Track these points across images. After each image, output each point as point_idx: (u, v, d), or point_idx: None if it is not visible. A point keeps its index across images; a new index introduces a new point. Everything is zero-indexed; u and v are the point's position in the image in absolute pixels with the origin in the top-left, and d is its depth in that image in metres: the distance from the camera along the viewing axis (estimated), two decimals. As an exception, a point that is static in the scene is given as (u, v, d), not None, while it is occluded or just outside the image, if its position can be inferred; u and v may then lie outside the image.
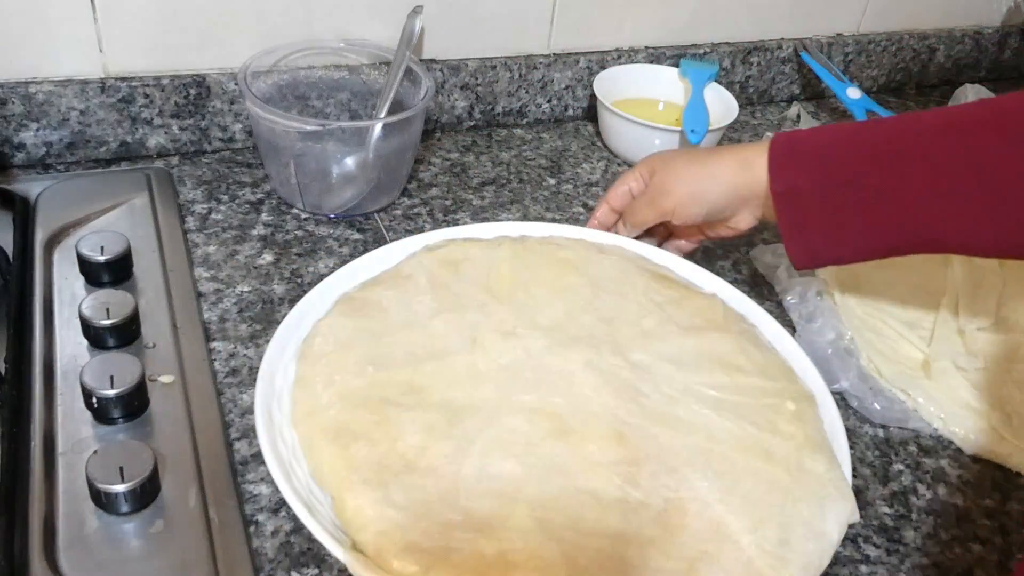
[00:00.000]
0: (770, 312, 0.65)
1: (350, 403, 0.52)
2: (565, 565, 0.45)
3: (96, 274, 0.64)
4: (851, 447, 0.57)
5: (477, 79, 0.90)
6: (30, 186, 0.74)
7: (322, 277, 0.62)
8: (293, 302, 0.66)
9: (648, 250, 0.69)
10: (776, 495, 0.50)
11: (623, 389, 0.55)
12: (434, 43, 0.87)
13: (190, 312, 0.64)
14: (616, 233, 0.71)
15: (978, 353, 0.67)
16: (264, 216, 0.76)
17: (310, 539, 0.51)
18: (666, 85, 0.96)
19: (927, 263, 0.77)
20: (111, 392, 0.54)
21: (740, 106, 0.92)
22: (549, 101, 0.96)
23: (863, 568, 0.54)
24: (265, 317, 0.65)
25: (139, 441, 0.53)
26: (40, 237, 0.68)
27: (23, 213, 0.70)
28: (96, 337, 0.59)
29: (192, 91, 0.79)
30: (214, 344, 0.62)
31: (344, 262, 0.65)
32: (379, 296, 0.60)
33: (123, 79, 0.77)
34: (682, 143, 0.87)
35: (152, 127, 0.80)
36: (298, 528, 0.51)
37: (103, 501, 0.49)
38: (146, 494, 0.50)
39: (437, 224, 0.78)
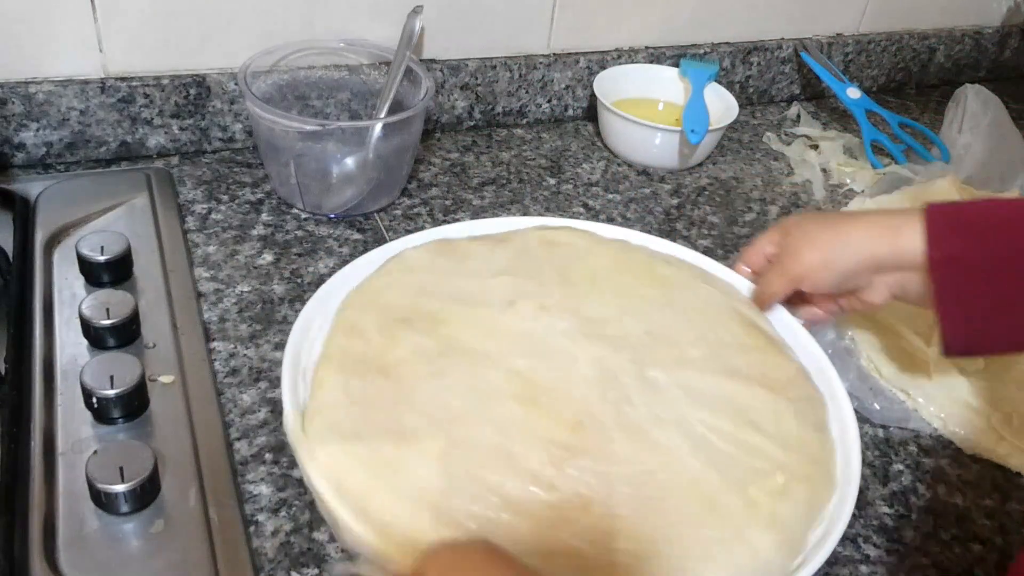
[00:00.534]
0: (770, 312, 0.65)
1: (379, 314, 0.58)
2: (431, 507, 0.47)
3: (96, 274, 0.64)
4: (851, 447, 0.57)
5: (477, 79, 0.90)
6: (30, 186, 0.74)
7: (323, 277, 0.62)
8: (293, 302, 0.67)
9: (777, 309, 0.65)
10: (685, 545, 0.47)
11: (613, 392, 0.54)
12: (434, 43, 0.87)
13: (190, 312, 0.64)
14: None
15: (978, 353, 0.67)
16: (264, 216, 0.76)
17: (310, 539, 0.51)
18: (666, 85, 0.96)
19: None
20: (111, 392, 0.54)
21: (740, 106, 0.92)
22: (549, 101, 0.96)
23: (863, 568, 0.54)
24: (265, 317, 0.65)
25: (139, 441, 0.53)
26: (40, 237, 0.68)
27: (23, 213, 0.70)
28: (96, 337, 0.59)
29: (192, 91, 0.79)
30: (214, 344, 0.62)
31: (344, 262, 0.65)
32: (471, 247, 0.65)
33: (123, 79, 0.77)
34: (682, 143, 0.87)
35: (152, 127, 0.80)
36: (298, 528, 0.51)
37: (103, 501, 0.49)
38: (146, 494, 0.50)
39: (437, 224, 0.78)
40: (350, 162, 0.75)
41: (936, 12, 1.14)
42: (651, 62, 0.98)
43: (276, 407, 0.58)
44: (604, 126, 0.93)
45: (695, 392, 0.56)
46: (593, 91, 0.91)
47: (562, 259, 0.65)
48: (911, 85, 1.18)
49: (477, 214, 0.80)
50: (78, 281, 0.65)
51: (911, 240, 0.56)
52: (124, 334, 0.59)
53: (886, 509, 0.58)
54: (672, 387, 0.56)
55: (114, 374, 0.54)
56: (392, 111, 0.77)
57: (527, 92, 0.94)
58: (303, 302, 0.59)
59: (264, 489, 0.53)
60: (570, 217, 0.81)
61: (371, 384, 0.53)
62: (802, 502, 0.51)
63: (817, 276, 0.60)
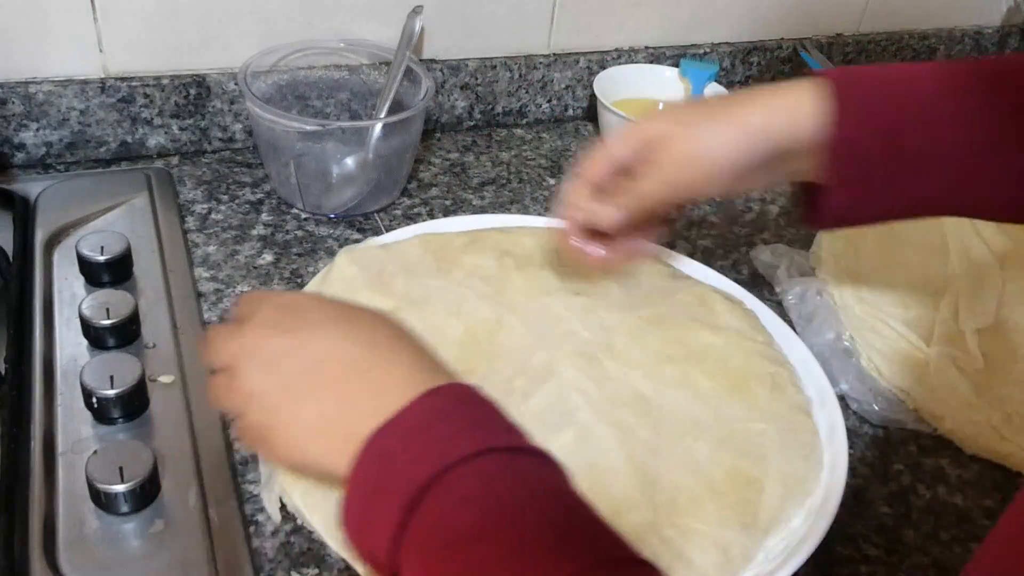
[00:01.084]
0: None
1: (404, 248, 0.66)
2: None
3: (96, 274, 0.64)
4: (851, 447, 0.57)
5: (477, 79, 0.90)
6: (30, 186, 0.74)
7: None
8: (293, 302, 0.66)
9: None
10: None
11: (587, 357, 0.58)
12: (434, 43, 0.87)
13: (190, 312, 0.64)
14: (594, 216, 0.57)
15: (978, 353, 0.67)
16: (264, 216, 0.76)
17: (310, 539, 0.51)
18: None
19: (927, 263, 0.77)
20: (111, 392, 0.54)
21: (740, 106, 0.92)
22: (549, 101, 0.96)
23: (863, 568, 0.54)
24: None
25: (139, 441, 0.53)
26: (40, 237, 0.68)
27: (23, 213, 0.70)
28: (96, 337, 0.59)
29: (192, 91, 0.79)
30: (214, 344, 0.62)
31: (344, 262, 0.65)
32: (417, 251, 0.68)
33: (123, 79, 0.77)
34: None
35: (152, 127, 0.80)
36: (298, 528, 0.51)
37: (103, 501, 0.49)
38: (146, 494, 0.50)
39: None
40: (350, 162, 0.75)
41: (936, 12, 1.14)
42: (651, 62, 0.98)
43: (276, 407, 0.58)
44: (604, 126, 0.93)
45: (648, 369, 0.58)
46: (593, 91, 0.91)
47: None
48: (911, 85, 1.18)
49: (477, 214, 0.80)
50: (78, 281, 0.65)
51: (808, 116, 0.52)
52: (124, 334, 0.59)
53: (886, 509, 0.58)
54: (632, 368, 0.58)
55: (114, 374, 0.54)
56: (392, 111, 0.77)
57: (527, 92, 0.94)
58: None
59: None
60: (570, 217, 0.81)
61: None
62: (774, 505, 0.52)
63: (713, 181, 0.54)
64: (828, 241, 0.79)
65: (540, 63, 0.92)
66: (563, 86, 0.95)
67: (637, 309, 0.63)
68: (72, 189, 0.75)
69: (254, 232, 0.74)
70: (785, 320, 0.67)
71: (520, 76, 0.92)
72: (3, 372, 0.57)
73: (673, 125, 0.54)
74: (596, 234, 0.59)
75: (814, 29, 1.06)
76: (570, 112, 0.98)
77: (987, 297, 0.73)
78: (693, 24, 0.99)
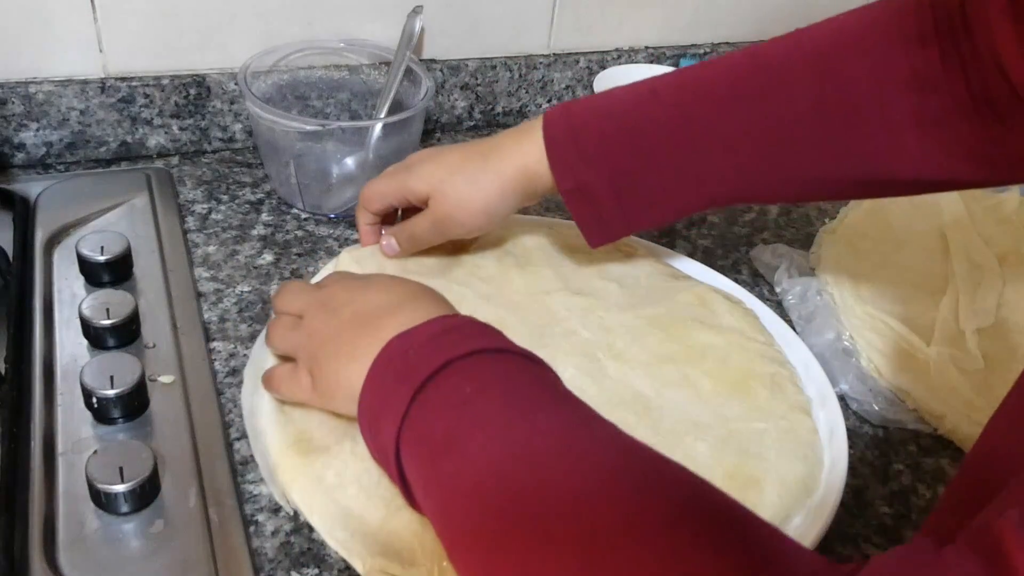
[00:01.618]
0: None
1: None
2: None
3: (96, 274, 0.64)
4: (851, 447, 0.57)
5: (477, 79, 0.90)
6: (30, 186, 0.74)
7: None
8: (293, 302, 0.66)
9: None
10: None
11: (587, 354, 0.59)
12: (434, 43, 0.87)
13: (190, 312, 0.64)
14: (380, 246, 0.65)
15: (978, 353, 0.67)
16: (264, 216, 0.76)
17: (310, 539, 0.51)
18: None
19: (927, 263, 0.77)
20: (111, 392, 0.54)
21: (740, 106, 0.92)
22: (549, 101, 0.96)
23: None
24: (265, 317, 0.65)
25: (139, 441, 0.53)
26: (40, 237, 0.68)
27: (23, 213, 0.70)
28: (96, 337, 0.59)
29: (192, 91, 0.79)
30: (214, 344, 0.62)
31: (344, 262, 0.65)
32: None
33: (123, 79, 0.77)
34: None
35: (152, 127, 0.80)
36: (298, 528, 0.51)
37: (103, 501, 0.49)
38: (146, 494, 0.50)
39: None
40: (350, 162, 0.75)
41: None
42: (651, 62, 0.98)
43: (276, 407, 0.58)
44: (604, 126, 0.92)
45: (645, 365, 0.59)
46: (593, 91, 0.91)
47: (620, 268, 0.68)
48: (911, 85, 1.18)
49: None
50: (78, 281, 0.65)
51: (547, 172, 0.59)
52: (124, 334, 0.59)
53: (886, 509, 0.58)
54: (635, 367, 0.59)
55: (114, 374, 0.54)
56: (392, 111, 0.77)
57: (527, 92, 0.94)
58: (303, 302, 0.59)
59: (264, 489, 0.53)
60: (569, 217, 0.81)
61: None
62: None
63: (478, 229, 0.62)
64: (828, 241, 0.79)
65: (540, 63, 0.92)
66: (563, 86, 0.95)
67: (637, 309, 0.63)
68: (72, 189, 0.75)
69: (254, 232, 0.74)
70: (785, 320, 0.67)
71: (520, 76, 0.92)
72: (3, 372, 0.57)
73: (441, 179, 0.61)
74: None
75: (814, 29, 1.06)
76: (570, 112, 0.98)
77: (987, 297, 0.73)
78: (693, 24, 0.99)
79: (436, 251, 0.65)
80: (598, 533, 0.35)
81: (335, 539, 0.47)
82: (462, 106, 0.91)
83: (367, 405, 0.46)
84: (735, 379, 0.58)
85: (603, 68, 0.94)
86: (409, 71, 0.79)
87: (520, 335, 0.59)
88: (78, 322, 0.59)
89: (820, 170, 0.56)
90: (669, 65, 0.97)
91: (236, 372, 0.60)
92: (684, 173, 0.58)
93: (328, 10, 0.81)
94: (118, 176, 0.78)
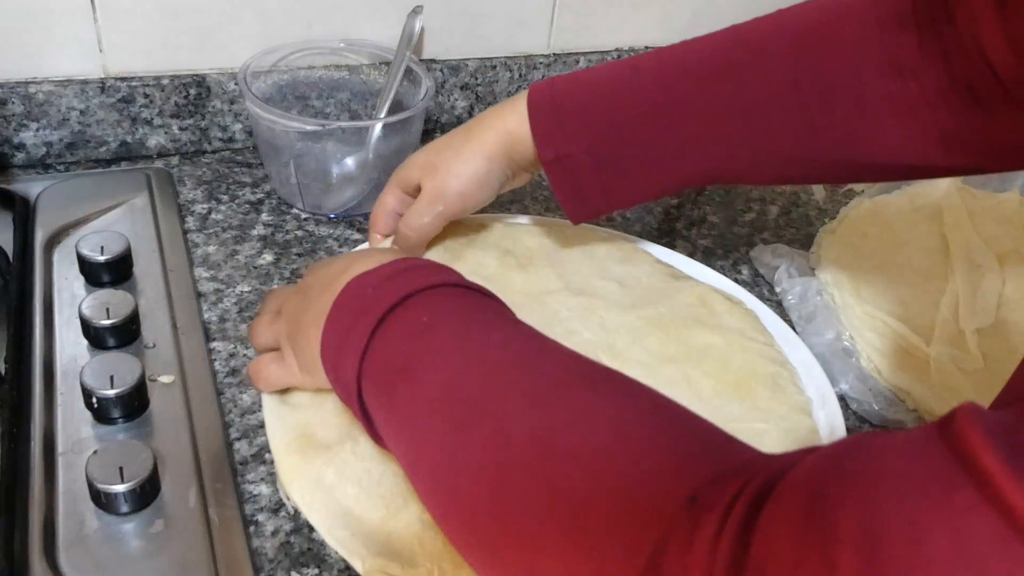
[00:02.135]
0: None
1: None
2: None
3: (96, 274, 0.64)
4: (851, 447, 0.57)
5: (477, 79, 0.90)
6: (30, 186, 0.74)
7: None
8: (293, 302, 0.66)
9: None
10: None
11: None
12: (434, 43, 0.87)
13: (190, 312, 0.64)
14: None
15: (978, 353, 0.67)
16: (264, 216, 0.76)
17: (310, 539, 0.51)
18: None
19: (927, 263, 0.77)
20: (111, 392, 0.54)
21: (740, 106, 0.92)
22: (549, 101, 0.96)
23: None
24: (257, 321, 0.65)
25: (139, 441, 0.53)
26: (40, 237, 0.68)
27: (23, 213, 0.70)
28: (96, 337, 0.59)
29: (192, 91, 0.79)
30: (214, 344, 0.62)
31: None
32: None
33: (123, 79, 0.77)
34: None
35: (152, 127, 0.80)
36: (298, 528, 0.51)
37: (103, 501, 0.49)
38: (146, 494, 0.50)
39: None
40: (350, 162, 0.75)
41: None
42: (651, 62, 0.98)
43: (276, 407, 0.58)
44: (604, 126, 0.92)
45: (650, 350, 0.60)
46: (593, 91, 0.91)
47: (617, 266, 0.68)
48: (911, 85, 1.18)
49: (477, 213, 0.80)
50: (78, 281, 0.65)
51: (529, 141, 0.59)
52: (124, 334, 0.59)
53: (886, 509, 0.58)
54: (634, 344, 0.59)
55: (114, 374, 0.54)
56: (392, 111, 0.77)
57: (527, 92, 0.94)
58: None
59: (264, 489, 0.53)
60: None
61: None
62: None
63: (475, 201, 0.62)
64: (828, 241, 0.79)
65: (540, 63, 0.92)
66: (563, 86, 0.95)
67: (638, 309, 0.63)
68: (72, 189, 0.75)
69: (254, 232, 0.74)
70: (785, 320, 0.67)
71: (520, 76, 0.92)
72: (3, 372, 0.57)
73: (427, 159, 0.62)
74: None
75: (814, 29, 1.06)
76: (570, 112, 0.98)
77: (987, 297, 0.73)
78: (693, 24, 0.99)
79: (436, 252, 0.65)
80: (554, 430, 0.36)
81: (334, 538, 0.47)
82: (462, 106, 0.91)
83: (328, 343, 0.46)
84: (735, 379, 0.58)
85: (603, 68, 0.94)
86: (409, 71, 0.79)
87: None
88: (78, 322, 0.59)
89: (797, 150, 0.56)
90: (669, 65, 0.97)
91: (236, 372, 0.60)
92: (663, 149, 0.58)
93: (328, 10, 0.81)
94: (118, 176, 0.78)
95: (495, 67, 0.90)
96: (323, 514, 0.47)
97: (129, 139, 0.80)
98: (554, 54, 0.94)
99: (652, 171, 0.59)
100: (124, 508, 0.49)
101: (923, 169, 0.57)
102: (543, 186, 0.85)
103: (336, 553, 0.48)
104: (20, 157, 0.77)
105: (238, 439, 0.56)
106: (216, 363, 0.61)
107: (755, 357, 0.60)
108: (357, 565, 0.46)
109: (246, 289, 0.67)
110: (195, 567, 0.48)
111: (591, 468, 0.34)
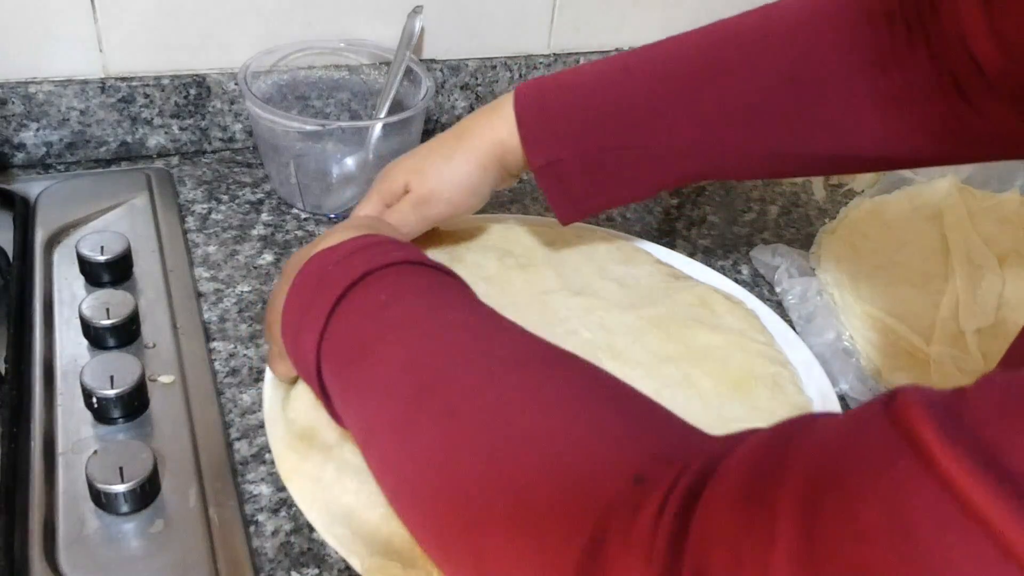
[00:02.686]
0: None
1: None
2: None
3: (96, 274, 0.64)
4: (851, 447, 0.57)
5: (477, 79, 0.90)
6: (30, 186, 0.74)
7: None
8: (293, 302, 0.66)
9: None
10: None
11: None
12: (434, 43, 0.87)
13: (190, 312, 0.64)
14: None
15: (978, 353, 0.67)
16: (264, 216, 0.76)
17: (310, 539, 0.51)
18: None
19: (927, 263, 0.77)
20: (111, 392, 0.54)
21: (740, 106, 0.92)
22: (549, 101, 0.96)
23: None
24: (265, 317, 0.65)
25: (139, 441, 0.53)
26: (40, 237, 0.68)
27: (23, 213, 0.70)
28: (96, 337, 0.59)
29: (192, 91, 0.79)
30: (214, 344, 0.62)
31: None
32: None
33: (123, 79, 0.77)
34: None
35: (152, 127, 0.80)
36: (298, 528, 0.51)
37: (103, 501, 0.49)
38: (146, 494, 0.50)
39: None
40: (350, 162, 0.75)
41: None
42: (651, 62, 0.98)
43: (276, 407, 0.58)
44: (604, 126, 0.92)
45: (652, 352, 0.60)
46: (593, 91, 0.91)
47: (619, 269, 0.68)
48: (911, 85, 1.18)
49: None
50: (78, 281, 0.65)
51: (519, 148, 0.59)
52: (124, 334, 0.59)
53: (886, 509, 0.58)
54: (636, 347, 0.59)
55: (114, 374, 0.54)
56: (392, 111, 0.77)
57: (527, 92, 0.94)
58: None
59: (264, 489, 0.53)
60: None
61: None
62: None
63: (466, 208, 0.62)
64: (828, 241, 0.79)
65: (540, 63, 0.92)
66: (563, 86, 0.95)
67: (638, 309, 0.63)
68: (72, 189, 0.75)
69: (254, 232, 0.74)
70: (785, 320, 0.67)
71: (520, 76, 0.92)
72: (3, 372, 0.57)
73: (415, 164, 0.61)
74: None
75: (814, 29, 1.06)
76: (570, 112, 0.98)
77: (987, 297, 0.73)
78: (693, 24, 0.99)
79: (435, 253, 0.65)
80: (504, 409, 0.36)
81: (334, 536, 0.47)
82: (462, 106, 0.91)
83: (288, 321, 0.46)
84: (736, 379, 0.58)
85: (603, 68, 0.94)
86: (409, 71, 0.79)
87: None
88: (78, 322, 0.59)
89: (788, 145, 0.57)
90: (669, 65, 0.97)
91: (236, 372, 0.60)
92: (654, 150, 0.58)
93: (328, 10, 0.81)
94: (118, 176, 0.78)
95: (495, 67, 0.90)
96: (322, 512, 0.47)
97: (129, 139, 0.80)
98: (554, 54, 0.94)
99: (643, 172, 0.59)
100: (124, 508, 0.49)
101: (910, 160, 0.57)
102: (543, 186, 0.85)
103: (336, 553, 0.48)
104: (20, 157, 0.77)
105: (238, 439, 0.56)
106: (216, 363, 0.61)
107: (755, 357, 0.60)
108: (356, 564, 0.46)
109: (246, 289, 0.67)
110: (195, 567, 0.48)
111: (538, 448, 0.34)
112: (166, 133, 0.81)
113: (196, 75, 0.79)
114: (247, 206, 0.77)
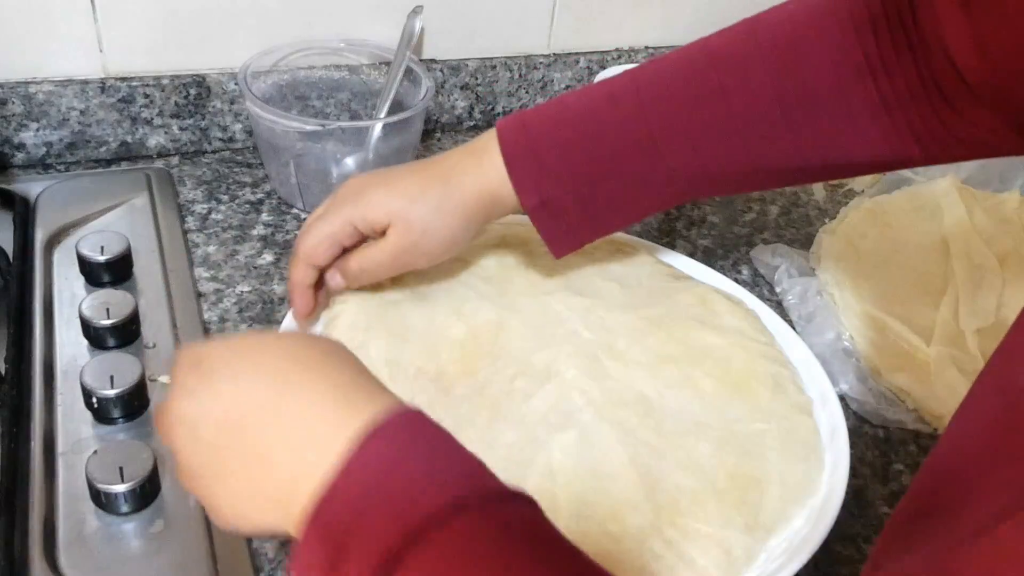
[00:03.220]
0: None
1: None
2: None
3: (96, 274, 0.64)
4: (851, 447, 0.57)
5: (477, 79, 0.90)
6: (30, 186, 0.74)
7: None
8: (293, 302, 0.66)
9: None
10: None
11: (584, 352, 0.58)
12: (434, 43, 0.87)
13: (190, 312, 0.64)
14: (327, 286, 0.59)
15: (978, 353, 0.67)
16: (264, 216, 0.76)
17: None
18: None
19: (927, 263, 0.77)
20: (111, 392, 0.54)
21: (740, 106, 0.92)
22: (549, 101, 0.96)
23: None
24: (265, 317, 0.65)
25: (139, 441, 0.53)
26: (40, 237, 0.68)
27: (23, 213, 0.70)
28: (96, 337, 0.59)
29: (192, 91, 0.79)
30: (214, 344, 0.62)
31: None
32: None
33: (123, 79, 0.77)
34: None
35: (152, 127, 0.80)
36: (298, 528, 0.51)
37: (103, 501, 0.49)
38: (146, 494, 0.50)
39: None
40: (350, 162, 0.75)
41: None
42: (651, 62, 0.98)
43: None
44: (604, 126, 0.92)
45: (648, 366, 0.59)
46: (593, 91, 0.91)
47: (620, 268, 0.68)
48: (911, 85, 1.18)
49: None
50: (78, 281, 0.65)
51: (510, 193, 0.57)
52: (124, 334, 0.59)
53: (886, 509, 0.58)
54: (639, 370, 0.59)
55: (114, 374, 0.54)
56: (392, 111, 0.77)
57: (527, 92, 0.94)
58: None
59: (264, 489, 0.53)
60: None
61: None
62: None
63: (444, 256, 0.59)
64: (828, 241, 0.79)
65: (540, 63, 0.92)
66: (563, 86, 0.95)
67: (638, 309, 0.63)
68: (72, 189, 0.75)
69: (254, 232, 0.74)
70: (785, 320, 0.67)
71: (520, 76, 0.92)
72: (3, 372, 0.57)
73: (402, 207, 0.56)
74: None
75: (814, 29, 1.06)
76: (570, 112, 0.98)
77: (987, 297, 0.73)
78: (694, 24, 0.99)
79: None
80: None
81: None
82: (462, 106, 0.91)
83: None
84: (736, 380, 0.58)
85: (603, 68, 0.94)
86: (409, 71, 0.79)
87: (521, 336, 0.59)
88: (78, 322, 0.59)
89: (782, 160, 0.57)
90: (669, 65, 0.97)
91: (236, 372, 0.60)
92: (648, 177, 0.57)
93: (328, 10, 0.81)
94: (118, 176, 0.78)
95: (495, 67, 0.90)
96: None
97: (129, 139, 0.80)
98: (554, 54, 0.94)
99: (637, 198, 0.59)
100: (124, 508, 0.49)
101: (899, 162, 0.57)
102: (543, 186, 0.85)
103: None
104: (20, 157, 0.77)
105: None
106: (216, 363, 0.61)
107: (756, 357, 0.60)
108: None
109: (246, 289, 0.67)
110: (195, 567, 0.48)
111: None
112: (166, 133, 0.81)
113: (196, 75, 0.79)
114: (247, 206, 0.77)
